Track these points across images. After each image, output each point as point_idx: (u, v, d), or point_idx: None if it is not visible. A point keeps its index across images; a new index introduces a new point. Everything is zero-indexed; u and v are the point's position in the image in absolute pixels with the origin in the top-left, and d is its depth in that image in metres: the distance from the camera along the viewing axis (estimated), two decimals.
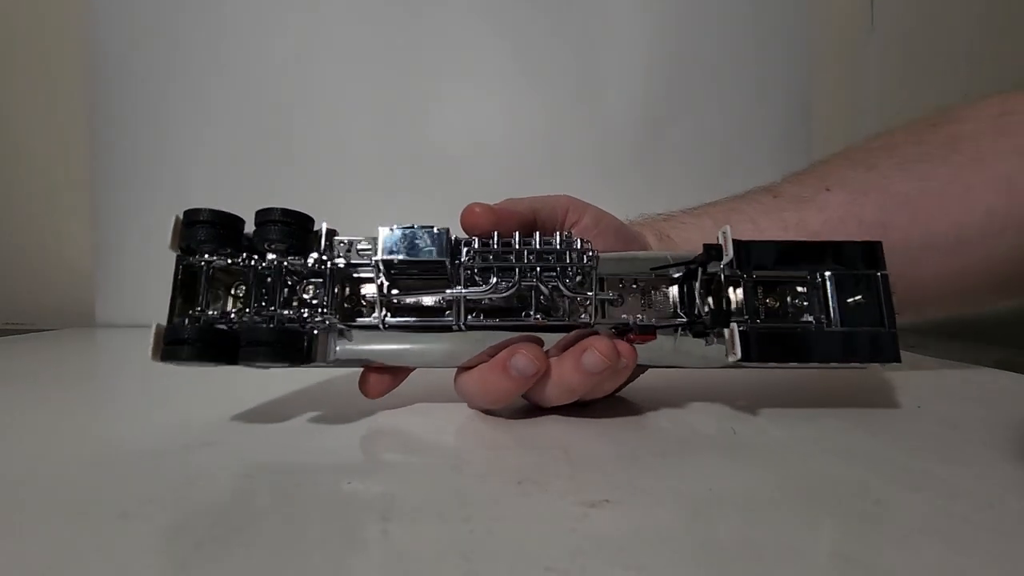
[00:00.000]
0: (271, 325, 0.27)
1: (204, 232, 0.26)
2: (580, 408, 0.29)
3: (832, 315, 0.27)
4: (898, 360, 0.26)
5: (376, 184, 0.78)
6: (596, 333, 0.27)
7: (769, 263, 0.28)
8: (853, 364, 0.27)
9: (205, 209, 0.26)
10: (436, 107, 0.78)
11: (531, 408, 0.30)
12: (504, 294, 0.27)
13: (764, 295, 0.28)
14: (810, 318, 0.28)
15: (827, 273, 0.27)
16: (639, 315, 0.28)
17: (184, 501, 0.20)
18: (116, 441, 0.27)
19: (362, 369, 0.29)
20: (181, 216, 0.26)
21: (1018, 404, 0.29)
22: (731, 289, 0.28)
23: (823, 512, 0.19)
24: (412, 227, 0.26)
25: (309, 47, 0.77)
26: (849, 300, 0.27)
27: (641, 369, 0.31)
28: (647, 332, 0.28)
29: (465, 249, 0.27)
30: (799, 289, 0.28)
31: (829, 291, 0.27)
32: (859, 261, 0.28)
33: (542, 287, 0.27)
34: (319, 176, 0.76)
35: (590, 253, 0.27)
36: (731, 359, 0.26)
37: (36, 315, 0.80)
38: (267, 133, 0.77)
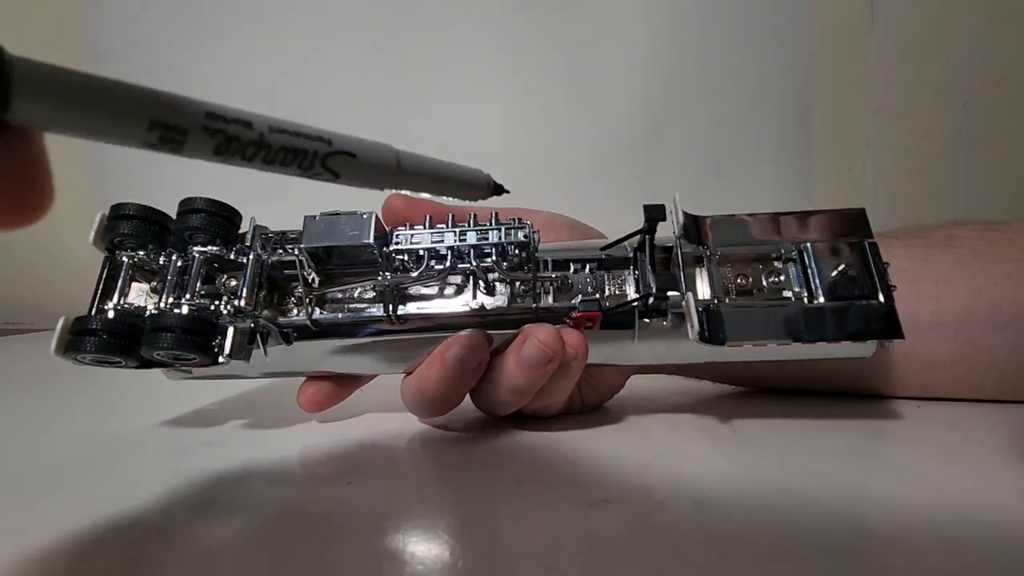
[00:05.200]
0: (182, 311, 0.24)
1: (127, 226, 0.25)
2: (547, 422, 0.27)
3: (815, 289, 0.24)
4: (901, 336, 0.23)
5: None
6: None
7: (734, 239, 0.25)
8: (848, 344, 0.23)
9: (131, 204, 0.25)
10: (434, 107, 0.78)
11: (524, 415, 0.28)
12: (436, 278, 0.25)
13: (735, 275, 0.25)
14: (789, 294, 0.24)
15: (805, 244, 0.25)
16: (587, 291, 0.25)
17: (181, 501, 0.20)
18: (115, 440, 0.27)
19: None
20: (107, 213, 0.26)
21: (1018, 404, 0.29)
22: (698, 271, 0.25)
23: (823, 512, 0.19)
24: (337, 213, 0.25)
25: (307, 47, 0.77)
26: (833, 273, 0.24)
27: (623, 376, 0.30)
28: (591, 309, 0.24)
29: (396, 235, 0.25)
30: (776, 264, 0.25)
31: (808, 263, 0.24)
32: (841, 231, 0.25)
33: (475, 269, 0.25)
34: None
35: (529, 230, 0.25)
36: (691, 335, 0.23)
37: (36, 315, 0.80)
38: None
